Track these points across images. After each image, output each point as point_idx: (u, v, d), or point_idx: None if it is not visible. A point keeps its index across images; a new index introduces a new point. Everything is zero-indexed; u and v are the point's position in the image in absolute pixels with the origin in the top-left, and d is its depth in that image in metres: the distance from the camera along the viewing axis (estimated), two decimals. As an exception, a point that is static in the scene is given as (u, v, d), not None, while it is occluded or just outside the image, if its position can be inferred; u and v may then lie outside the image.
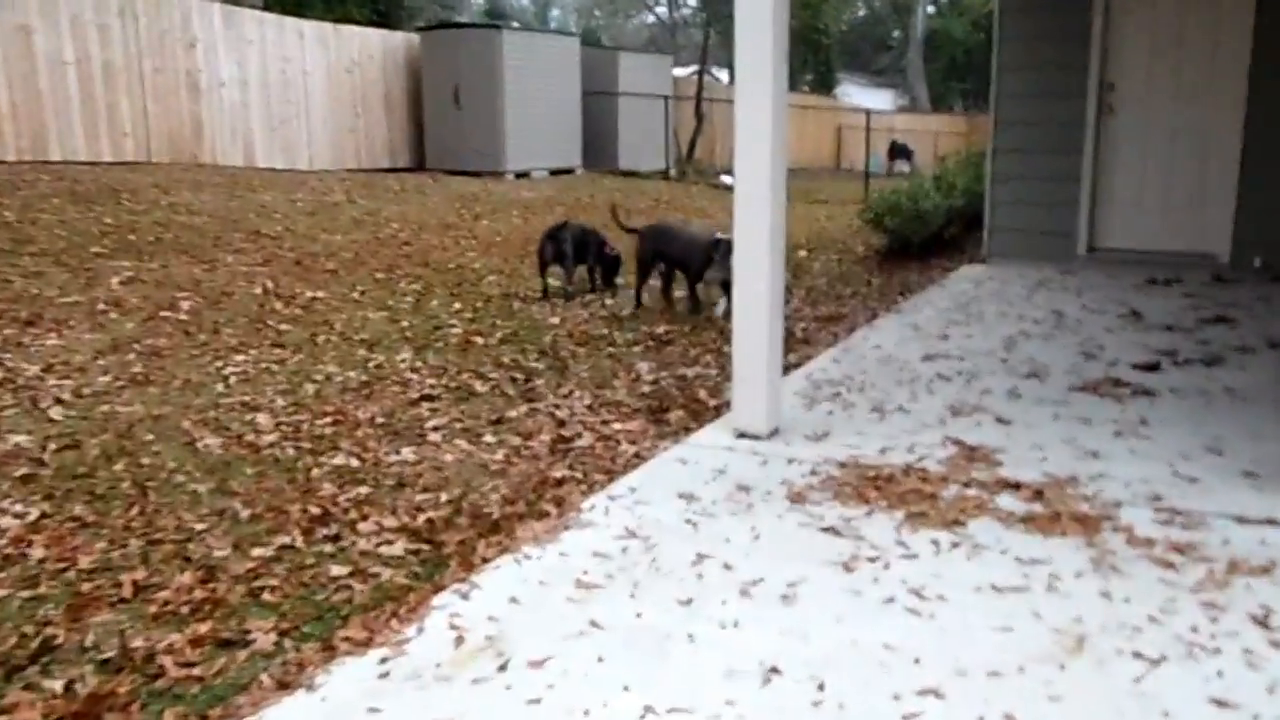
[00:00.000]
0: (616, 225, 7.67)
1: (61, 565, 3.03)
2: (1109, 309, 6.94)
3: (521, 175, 15.93)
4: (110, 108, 11.75)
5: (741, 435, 4.19)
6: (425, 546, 3.24)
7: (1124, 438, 4.18)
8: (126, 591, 2.87)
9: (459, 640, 2.55)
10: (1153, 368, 5.28)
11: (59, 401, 4.57)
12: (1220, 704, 2.28)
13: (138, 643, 2.60)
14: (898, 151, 25.67)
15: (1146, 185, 8.52)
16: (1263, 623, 2.63)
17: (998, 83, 8.78)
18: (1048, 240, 8.76)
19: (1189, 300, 7.19)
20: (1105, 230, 8.71)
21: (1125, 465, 3.83)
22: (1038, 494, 3.53)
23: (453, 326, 6.48)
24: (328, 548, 3.21)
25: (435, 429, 4.44)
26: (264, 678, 2.45)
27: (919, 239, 9.74)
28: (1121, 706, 2.27)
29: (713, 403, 4.86)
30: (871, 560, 3.02)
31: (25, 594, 2.85)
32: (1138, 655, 2.48)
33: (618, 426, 4.55)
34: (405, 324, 6.49)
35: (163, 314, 6.22)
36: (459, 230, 10.42)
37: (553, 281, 7.53)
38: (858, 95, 34.58)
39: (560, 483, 3.83)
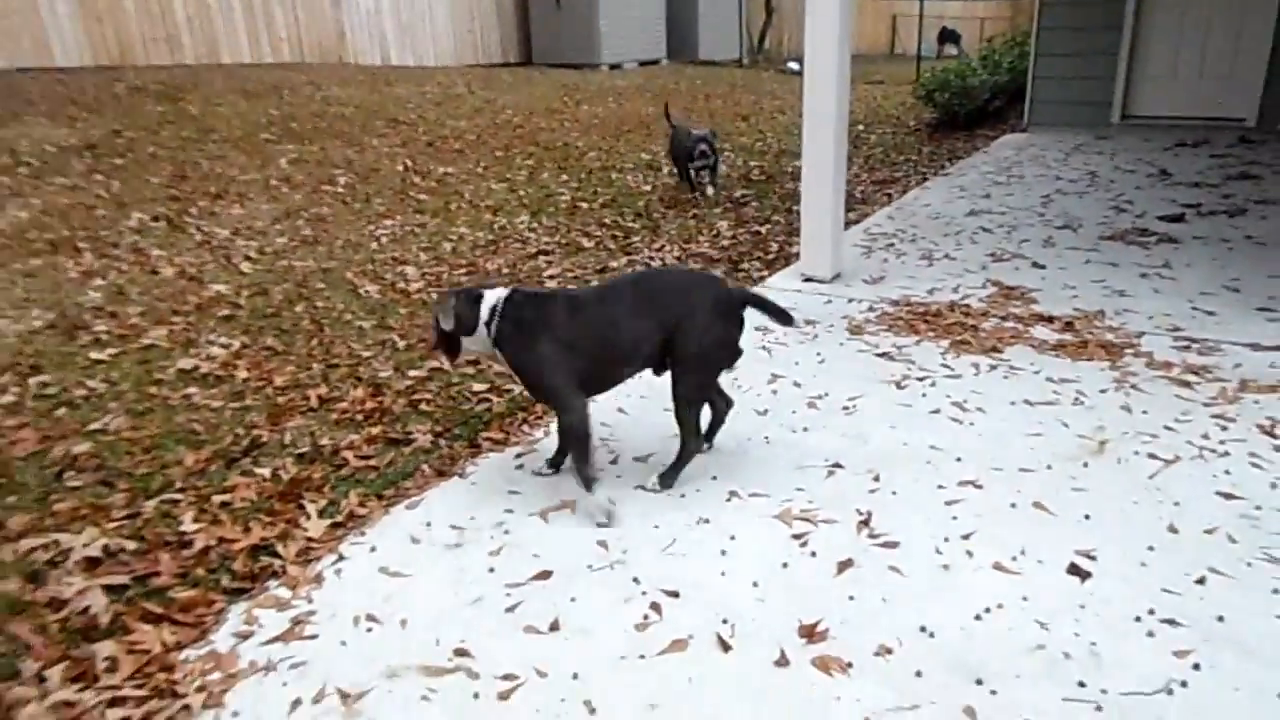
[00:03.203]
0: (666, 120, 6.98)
1: (260, 383, 3.18)
2: (1139, 169, 6.50)
3: (614, 67, 15.38)
4: (268, 17, 11.64)
5: (808, 279, 4.11)
6: (546, 369, 3.28)
7: (1148, 279, 3.98)
8: (313, 403, 3.01)
9: (577, 440, 2.62)
10: (1178, 219, 4.96)
11: (247, 258, 4.70)
12: (1226, 496, 2.22)
13: (325, 441, 2.74)
14: (946, 36, 23.90)
15: (1181, 58, 7.80)
16: (1269, 432, 2.53)
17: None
18: (1085, 110, 8.17)
19: (1216, 160, 6.68)
20: (1139, 99, 8.06)
21: (1149, 301, 3.66)
22: (1068, 325, 3.41)
23: (561, 194, 6.41)
24: (470, 370, 3.29)
25: (551, 277, 4.46)
26: (425, 467, 2.56)
27: (965, 112, 9.16)
28: (1137, 497, 2.23)
29: (783, 253, 4.76)
30: (920, 379, 2.98)
31: (235, 405, 3.02)
32: (1153, 456, 2.42)
33: (702, 274, 4.48)
34: (522, 193, 6.44)
35: (324, 188, 6.29)
36: (563, 115, 10.18)
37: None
38: (912, -15, 32.02)
39: (655, 319, 3.81)
